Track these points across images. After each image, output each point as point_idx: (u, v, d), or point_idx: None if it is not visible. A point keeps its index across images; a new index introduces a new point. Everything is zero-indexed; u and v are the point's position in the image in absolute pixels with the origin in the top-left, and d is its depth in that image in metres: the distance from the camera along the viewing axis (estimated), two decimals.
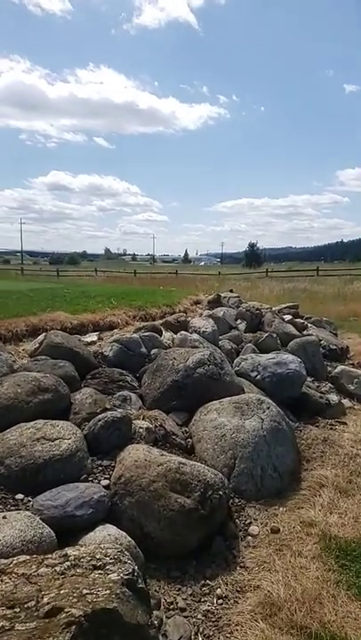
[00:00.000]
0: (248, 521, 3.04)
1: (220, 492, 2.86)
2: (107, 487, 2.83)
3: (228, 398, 3.81)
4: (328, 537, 2.84)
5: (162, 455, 2.96)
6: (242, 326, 7.22)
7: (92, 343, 5.04)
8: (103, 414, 3.23)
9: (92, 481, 2.86)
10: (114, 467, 3.00)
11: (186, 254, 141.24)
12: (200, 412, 3.79)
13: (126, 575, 2.02)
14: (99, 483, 2.85)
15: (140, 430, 3.39)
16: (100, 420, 3.18)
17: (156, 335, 5.24)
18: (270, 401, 3.81)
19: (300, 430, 4.12)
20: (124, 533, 2.54)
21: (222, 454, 3.38)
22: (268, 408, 3.65)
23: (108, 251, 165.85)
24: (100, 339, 5.25)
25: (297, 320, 8.35)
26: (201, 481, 2.84)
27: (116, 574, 2.02)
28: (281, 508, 3.16)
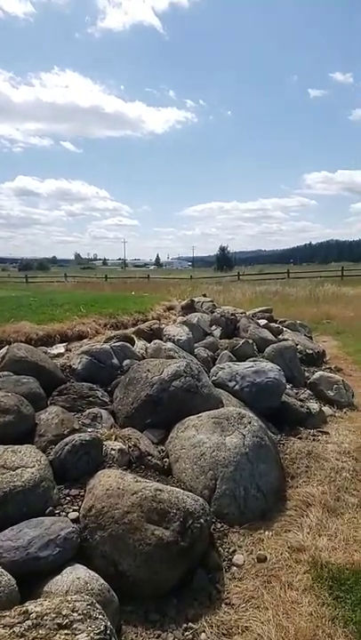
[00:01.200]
0: (232, 549, 2.79)
1: (202, 520, 2.60)
2: (76, 520, 2.54)
3: (207, 413, 3.57)
4: (319, 564, 2.62)
5: (136, 481, 2.68)
6: (217, 332, 7.01)
7: (60, 355, 4.73)
8: (71, 437, 2.93)
9: (58, 514, 2.56)
10: (83, 496, 2.71)
11: (157, 258, 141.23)
12: (177, 429, 3.54)
13: (97, 635, 1.74)
14: (66, 516, 2.55)
15: (112, 452, 3.10)
16: (66, 445, 2.87)
17: (128, 345, 4.97)
18: (252, 414, 3.59)
19: (283, 444, 3.92)
20: (96, 575, 2.26)
21: (202, 475, 3.13)
22: (250, 423, 3.43)
23: (78, 256, 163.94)
24: (68, 350, 4.94)
25: (272, 324, 8.23)
26: (180, 509, 2.58)
27: (85, 634, 1.74)
28: (267, 532, 2.93)
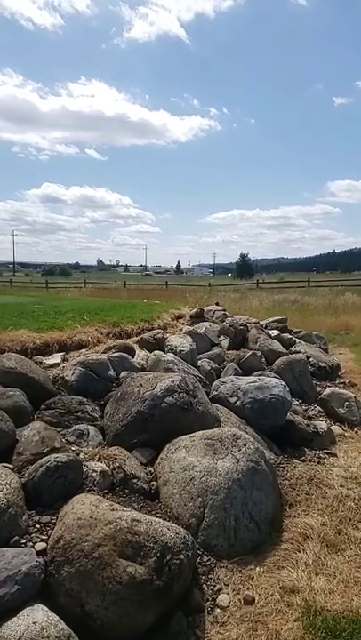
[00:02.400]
0: (217, 587, 2.54)
1: (182, 556, 2.36)
2: (43, 552, 2.32)
3: (201, 433, 3.33)
4: (313, 610, 2.34)
5: (112, 510, 2.45)
6: (225, 343, 6.76)
7: (55, 366, 4.55)
8: (47, 458, 2.72)
9: (24, 544, 2.35)
10: (55, 524, 2.49)
11: (178, 265, 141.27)
12: (167, 450, 3.30)
13: None
14: (33, 546, 2.34)
15: (94, 475, 2.89)
16: (41, 466, 2.67)
17: (127, 356, 4.76)
18: (247, 436, 3.32)
19: (283, 467, 3.63)
20: (56, 619, 2.03)
21: (190, 501, 2.88)
22: (245, 445, 3.16)
23: (100, 262, 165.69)
24: (64, 360, 4.75)
25: (284, 335, 7.93)
26: (158, 542, 2.34)
27: None
28: (257, 569, 2.66)
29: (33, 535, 2.41)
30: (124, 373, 4.41)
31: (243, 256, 76.58)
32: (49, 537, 2.40)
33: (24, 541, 2.36)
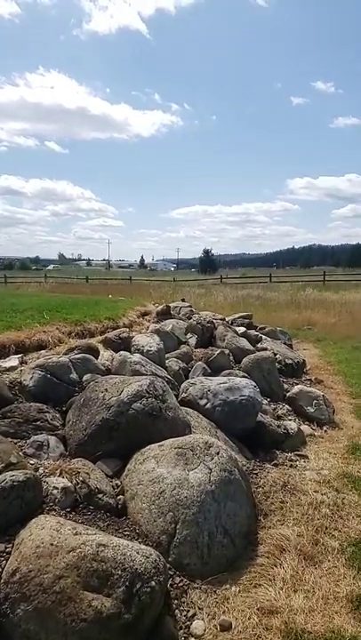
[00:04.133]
0: (191, 612, 2.33)
1: (153, 583, 2.14)
2: None
3: (171, 441, 3.11)
4: (293, 633, 2.18)
5: (75, 534, 2.20)
6: (192, 341, 6.58)
7: (12, 369, 4.20)
8: (0, 477, 2.42)
9: None
10: (10, 552, 2.21)
11: (142, 260, 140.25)
12: (135, 460, 3.07)
13: None
14: None
15: (55, 492, 2.62)
16: None
17: (91, 357, 4.47)
18: (220, 444, 3.13)
19: (256, 474, 3.47)
20: None
21: (160, 517, 2.66)
22: (218, 454, 2.97)
23: (61, 256, 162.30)
24: (22, 363, 4.41)
25: (251, 332, 7.84)
26: (127, 569, 2.11)
27: None
28: (233, 588, 2.47)
29: None
30: (87, 376, 4.13)
31: (206, 251, 76.82)
32: (3, 569, 2.12)
33: None
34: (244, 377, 4.95)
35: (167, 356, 5.43)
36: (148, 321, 7.45)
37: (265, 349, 6.84)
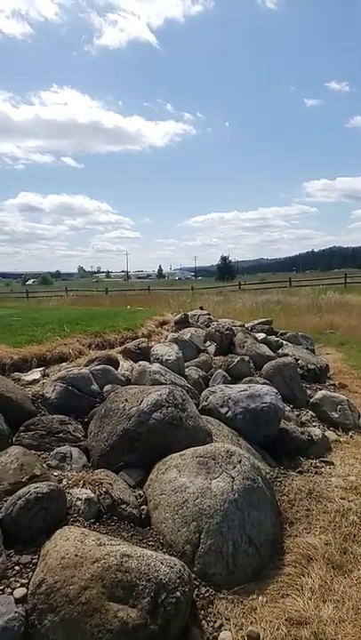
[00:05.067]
0: (218, 622, 2.31)
1: (178, 594, 2.13)
2: (23, 599, 2.07)
3: (192, 450, 3.11)
4: None
5: (99, 545, 2.22)
6: (211, 349, 6.58)
7: (35, 382, 4.27)
8: (24, 490, 2.47)
9: (1, 591, 2.09)
10: (36, 564, 2.24)
11: (160, 269, 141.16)
12: (157, 470, 3.08)
13: None
14: (12, 593, 2.09)
15: (78, 503, 2.65)
16: (19, 499, 2.41)
17: (111, 368, 4.52)
18: (242, 452, 3.12)
19: (280, 481, 3.44)
20: None
21: (184, 527, 2.66)
22: (240, 462, 2.96)
23: (81, 269, 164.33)
24: (45, 375, 4.49)
25: (271, 338, 7.78)
26: (152, 580, 2.12)
27: None
28: (260, 598, 2.44)
29: (12, 579, 2.15)
30: (107, 387, 4.18)
31: (224, 258, 76.91)
32: (29, 580, 2.15)
33: (1, 587, 2.11)
34: (265, 384, 4.92)
35: (186, 364, 5.45)
36: (167, 330, 7.48)
37: (286, 355, 6.78)
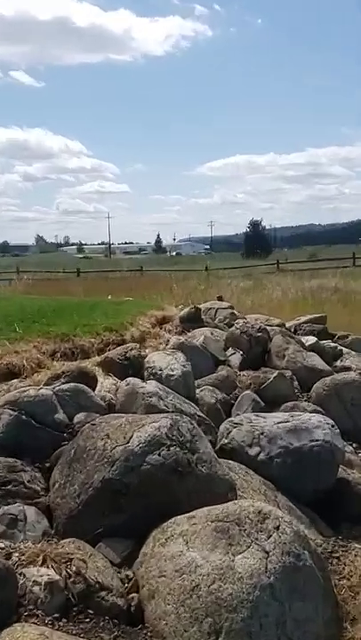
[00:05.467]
0: None
1: None
2: None
3: (206, 510, 3.15)
4: None
5: None
6: (235, 359, 6.69)
7: None
8: None
9: None
10: None
11: (158, 241, 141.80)
12: (154, 540, 3.13)
13: None
14: None
15: (36, 590, 2.68)
16: None
17: (84, 387, 4.64)
18: (280, 513, 3.16)
19: (338, 558, 3.47)
20: None
21: (193, 625, 2.69)
22: (278, 528, 2.99)
23: (40, 239, 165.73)
24: None
25: (324, 344, 7.89)
26: None
27: None
28: None
29: None
30: (79, 416, 4.29)
31: (254, 224, 77.18)
32: None
33: None
34: (315, 412, 5.04)
35: (198, 382, 5.55)
36: (169, 331, 7.57)
37: (348, 369, 6.87)
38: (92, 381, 4.89)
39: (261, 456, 4.18)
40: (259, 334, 6.97)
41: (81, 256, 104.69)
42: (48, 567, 2.83)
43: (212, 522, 3.04)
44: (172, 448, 3.41)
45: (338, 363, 7.31)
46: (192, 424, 3.75)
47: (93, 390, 4.76)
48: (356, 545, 3.71)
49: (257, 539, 2.94)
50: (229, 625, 2.65)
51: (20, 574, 2.73)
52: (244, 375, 6.09)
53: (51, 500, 3.46)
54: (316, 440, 4.20)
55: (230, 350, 6.77)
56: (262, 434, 4.29)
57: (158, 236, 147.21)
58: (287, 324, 8.86)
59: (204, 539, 2.97)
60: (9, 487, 3.43)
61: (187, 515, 3.17)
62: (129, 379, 4.90)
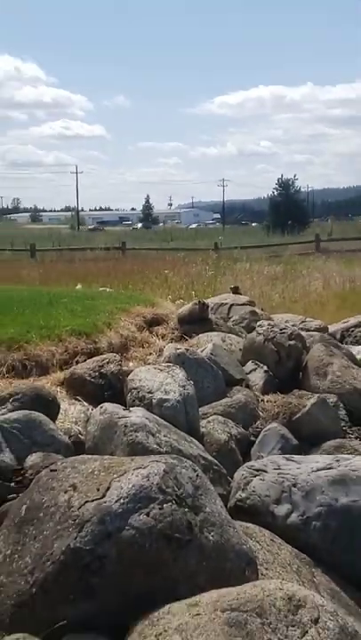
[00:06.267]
0: None
1: None
2: None
3: (215, 594, 3.16)
4: None
5: None
6: (257, 377, 6.70)
7: None
8: None
9: None
10: None
11: (147, 207, 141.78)
12: (139, 637, 3.13)
13: None
14: None
15: None
16: None
17: (40, 416, 4.63)
18: (320, 600, 3.16)
19: None
20: None
21: None
22: (317, 621, 2.99)
23: None
24: None
25: None
26: None
27: None
28: None
29: None
30: (34, 458, 4.30)
31: (284, 185, 77.16)
32: None
33: None
34: None
35: (203, 410, 5.58)
36: (162, 337, 7.59)
37: None
38: (51, 408, 4.91)
39: (293, 517, 4.17)
40: (291, 342, 6.97)
41: (37, 227, 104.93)
42: None
43: (222, 612, 3.04)
44: (166, 505, 3.41)
45: None
46: (195, 471, 3.74)
47: (54, 421, 4.76)
48: None
49: (287, 636, 2.95)
50: None
51: None
52: (269, 401, 6.09)
53: None
54: None
55: (250, 365, 6.78)
56: (295, 485, 4.28)
57: (148, 200, 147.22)
58: (331, 329, 8.87)
59: (212, 636, 2.97)
60: None
61: (187, 601, 3.17)
62: (105, 405, 4.88)
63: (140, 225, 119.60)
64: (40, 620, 3.21)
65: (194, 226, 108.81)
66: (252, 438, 5.47)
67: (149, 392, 5.22)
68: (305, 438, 5.49)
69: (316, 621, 3.02)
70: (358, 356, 7.40)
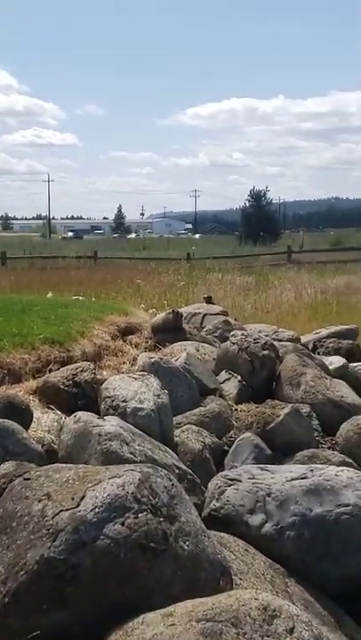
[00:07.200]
0: None
1: None
2: None
3: (190, 605, 3.15)
4: None
5: None
6: (231, 387, 6.73)
7: None
8: None
9: None
10: None
11: (119, 216, 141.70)
12: None
13: None
14: None
15: None
16: None
17: (12, 425, 4.60)
18: (295, 610, 3.16)
19: None
20: None
21: None
22: (292, 631, 2.99)
23: None
24: None
25: (356, 366, 7.92)
26: None
27: None
28: None
29: None
30: (6, 466, 4.25)
31: (256, 196, 77.55)
32: None
33: None
34: (343, 464, 5.09)
35: (178, 420, 5.59)
36: (136, 346, 7.59)
37: None
38: (24, 416, 4.88)
39: (268, 527, 4.18)
40: (264, 352, 6.99)
41: (8, 235, 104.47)
42: None
43: (197, 622, 3.03)
44: (141, 515, 3.40)
45: None
46: (170, 480, 3.74)
47: (27, 429, 4.73)
48: None
49: None
50: None
51: None
52: (243, 410, 6.11)
53: None
54: (346, 505, 4.22)
55: (224, 374, 6.80)
56: (269, 495, 4.29)
57: (120, 209, 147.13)
58: (303, 339, 8.91)
59: None
60: None
61: (161, 611, 3.16)
62: (79, 413, 4.87)
63: (115, 235, 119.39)
64: (13, 630, 3.20)
65: (167, 235, 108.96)
66: (226, 448, 5.50)
67: (124, 401, 5.23)
68: (278, 448, 5.52)
69: (291, 631, 3.02)
70: (331, 367, 7.43)
